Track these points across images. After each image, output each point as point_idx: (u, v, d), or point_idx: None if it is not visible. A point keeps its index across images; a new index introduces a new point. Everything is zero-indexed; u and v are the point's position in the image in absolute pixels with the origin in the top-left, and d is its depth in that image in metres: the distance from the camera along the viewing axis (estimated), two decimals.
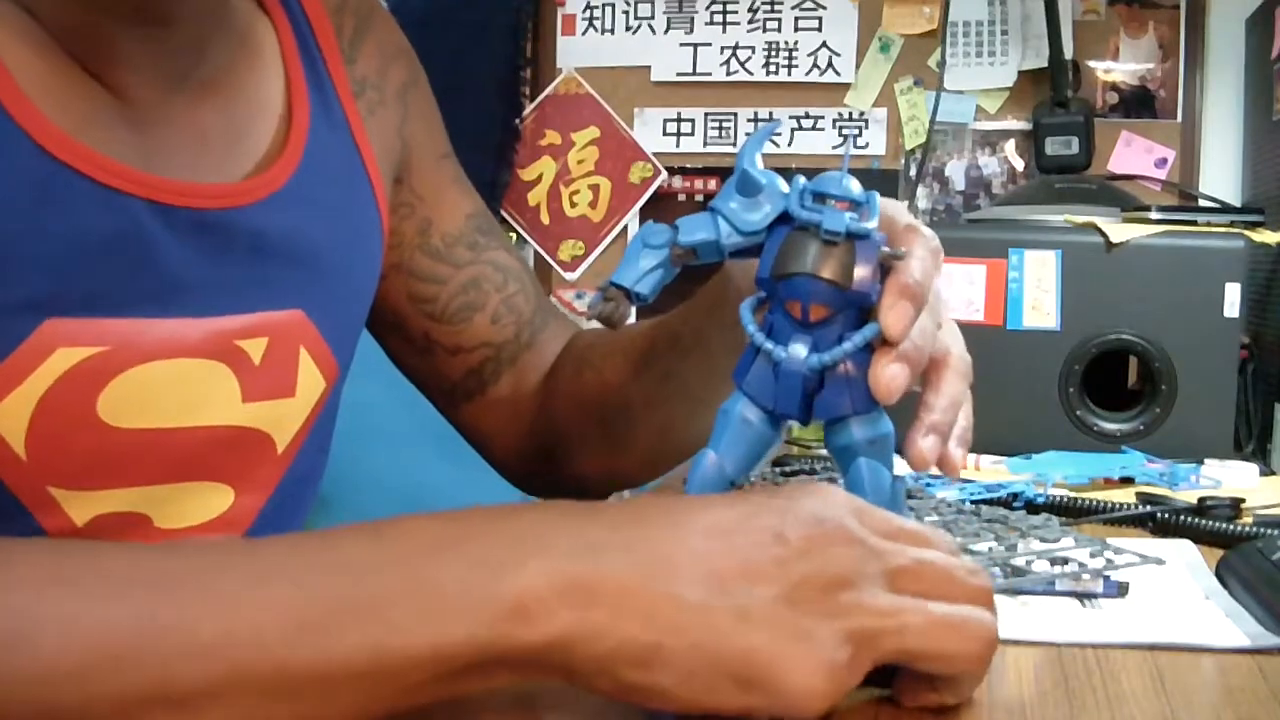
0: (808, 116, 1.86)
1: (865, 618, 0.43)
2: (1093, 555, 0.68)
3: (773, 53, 1.88)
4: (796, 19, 1.87)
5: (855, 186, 0.49)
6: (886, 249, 0.49)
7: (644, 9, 1.92)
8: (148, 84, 0.59)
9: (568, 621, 0.41)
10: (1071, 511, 0.88)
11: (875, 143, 1.84)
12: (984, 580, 0.46)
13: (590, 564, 0.42)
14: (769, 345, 0.49)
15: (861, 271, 0.48)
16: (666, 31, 1.91)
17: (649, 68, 1.92)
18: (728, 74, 1.89)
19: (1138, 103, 1.75)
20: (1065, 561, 0.67)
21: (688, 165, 1.91)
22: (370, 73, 0.75)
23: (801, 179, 0.50)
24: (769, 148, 1.86)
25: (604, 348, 0.77)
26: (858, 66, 1.84)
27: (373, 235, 0.72)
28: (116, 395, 0.57)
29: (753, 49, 1.88)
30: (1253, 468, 1.04)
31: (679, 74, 1.91)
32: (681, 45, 1.91)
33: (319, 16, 0.72)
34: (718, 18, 1.90)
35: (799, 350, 0.48)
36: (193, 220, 0.60)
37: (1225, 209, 1.44)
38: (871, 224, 0.48)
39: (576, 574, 0.42)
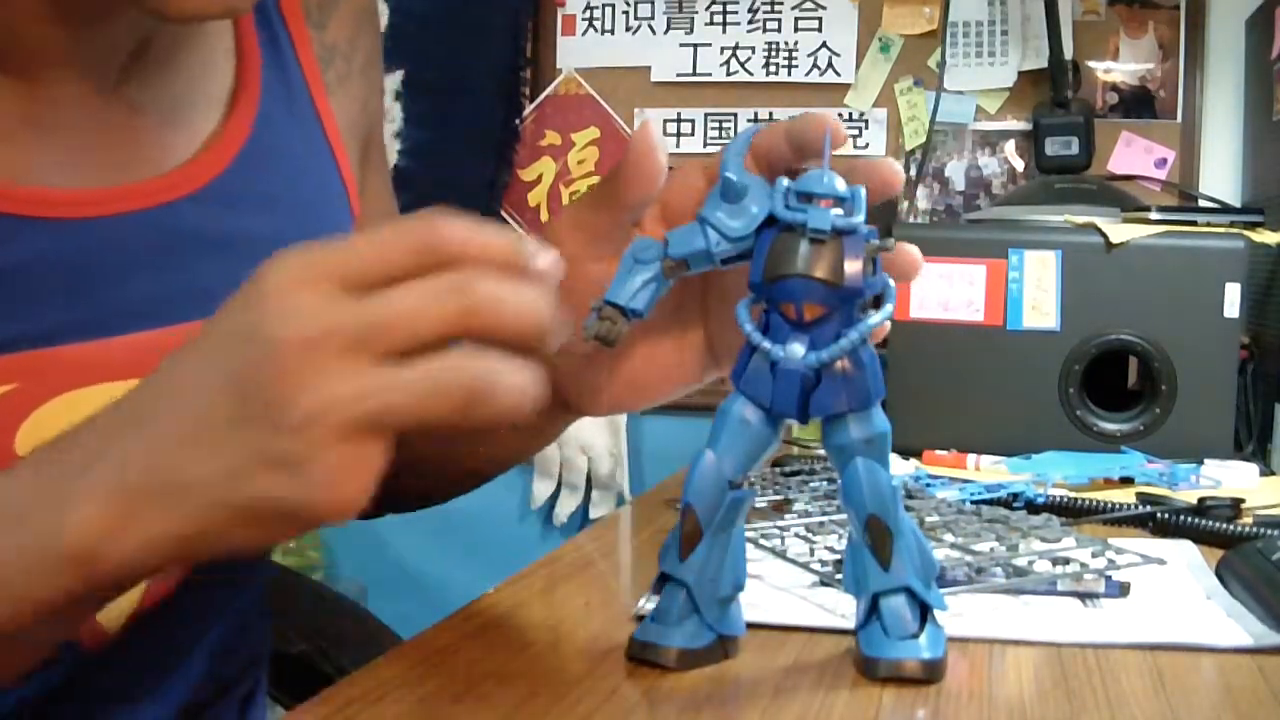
0: None
1: (340, 416, 0.40)
2: (1094, 555, 0.68)
3: (773, 53, 1.88)
4: (796, 19, 1.87)
5: (839, 183, 0.49)
6: (875, 241, 0.49)
7: (644, 9, 1.92)
8: (70, 79, 0.55)
9: (131, 546, 0.42)
10: (1072, 512, 0.88)
11: (875, 143, 1.84)
12: (456, 299, 0.41)
13: (122, 486, 0.42)
14: (766, 344, 0.49)
15: (851, 267, 0.48)
16: (666, 32, 1.91)
17: (649, 68, 1.92)
18: (728, 74, 1.89)
19: (1138, 103, 1.75)
20: (1067, 562, 0.67)
21: None
22: (341, 40, 0.70)
23: (785, 180, 0.49)
24: None
25: None
26: (858, 67, 1.84)
27: (338, 222, 0.68)
28: (37, 431, 0.53)
29: (753, 49, 1.88)
30: (1253, 468, 1.04)
31: (679, 74, 1.91)
32: (681, 45, 1.91)
33: None
34: (718, 18, 1.90)
35: (796, 349, 0.48)
36: (109, 230, 0.55)
37: (1225, 209, 1.44)
38: (858, 218, 0.48)
39: (118, 500, 0.42)
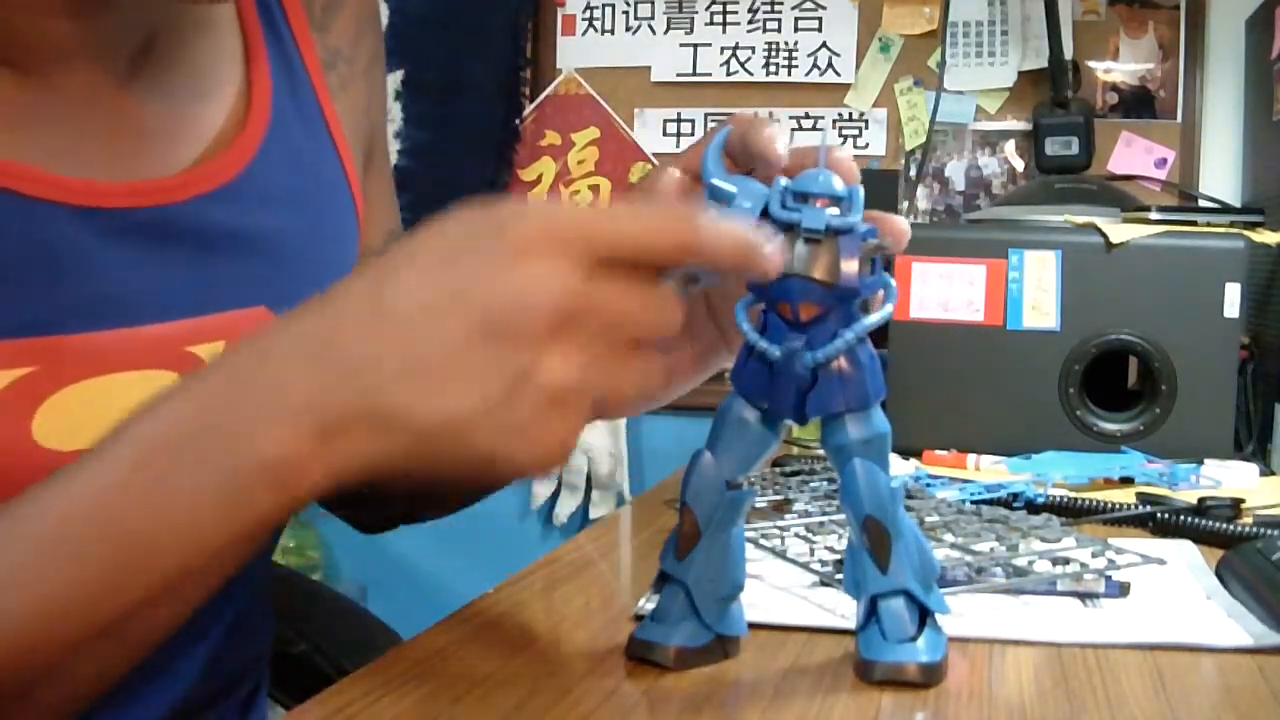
0: (808, 117, 1.86)
1: (573, 393, 0.43)
2: (1094, 555, 0.68)
3: (773, 53, 1.88)
4: (796, 19, 1.87)
5: (836, 182, 0.48)
6: (873, 240, 0.49)
7: (644, 9, 1.92)
8: (77, 71, 0.55)
9: (325, 469, 0.43)
10: (1072, 512, 0.88)
11: (875, 143, 1.84)
12: (663, 313, 0.45)
13: (323, 407, 0.43)
14: (763, 344, 0.49)
15: (848, 266, 0.48)
16: (666, 32, 1.91)
17: (649, 68, 1.92)
18: (728, 74, 1.89)
19: (1138, 103, 1.75)
20: (1067, 562, 0.66)
21: None
22: (344, 43, 0.70)
23: (783, 179, 0.49)
24: None
25: None
26: (858, 67, 1.84)
27: (344, 219, 0.68)
28: (53, 417, 0.52)
29: (753, 49, 1.88)
30: (1253, 468, 1.04)
31: (679, 74, 1.91)
32: (681, 45, 1.91)
33: None
34: (718, 18, 1.90)
35: (793, 348, 0.48)
36: (126, 222, 0.55)
37: (1225, 209, 1.44)
38: (854, 218, 0.48)
39: (318, 422, 0.43)
